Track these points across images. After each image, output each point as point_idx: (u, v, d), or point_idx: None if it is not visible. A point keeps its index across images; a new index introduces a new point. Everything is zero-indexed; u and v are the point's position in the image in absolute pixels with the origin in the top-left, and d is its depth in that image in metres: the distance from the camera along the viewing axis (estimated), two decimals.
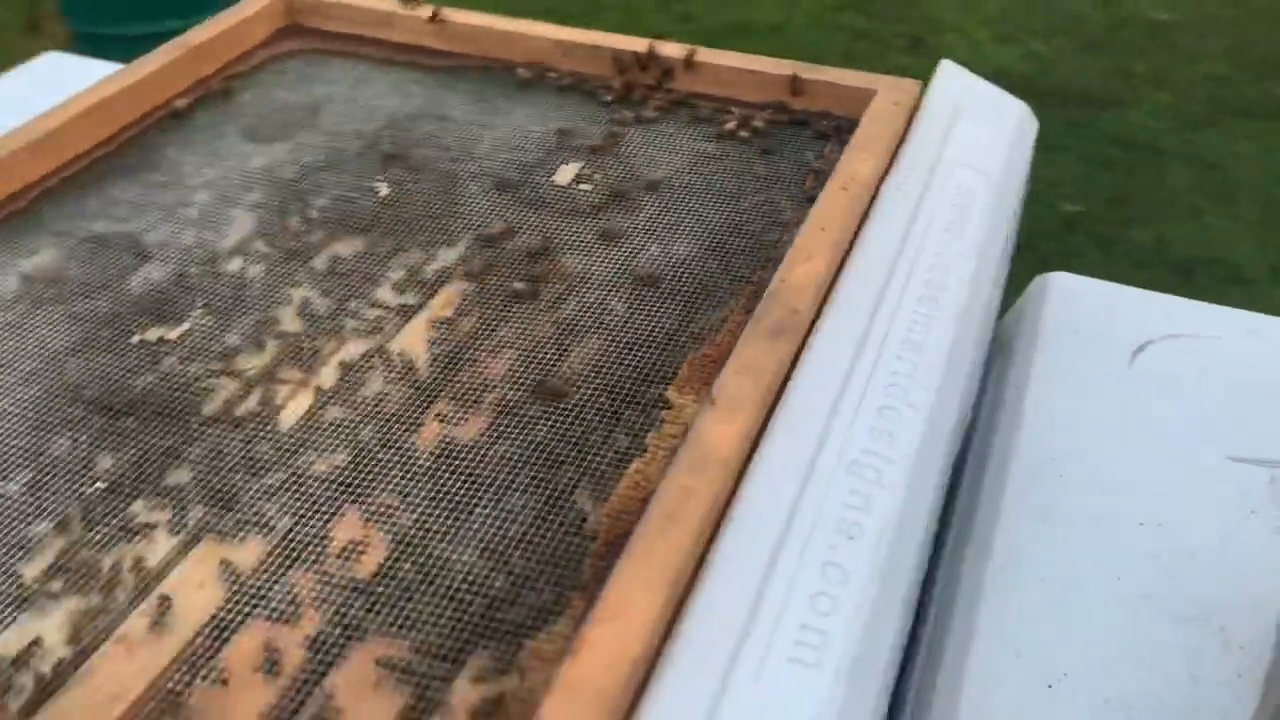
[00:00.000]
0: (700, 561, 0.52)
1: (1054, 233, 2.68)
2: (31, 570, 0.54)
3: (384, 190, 0.80)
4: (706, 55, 0.89)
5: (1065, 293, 0.91)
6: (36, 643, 0.51)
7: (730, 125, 0.85)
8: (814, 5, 3.60)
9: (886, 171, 0.78)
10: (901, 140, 0.81)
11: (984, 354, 0.87)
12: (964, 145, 0.82)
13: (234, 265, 0.74)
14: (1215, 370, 0.81)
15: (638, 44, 0.90)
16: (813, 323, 0.65)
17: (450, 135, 0.86)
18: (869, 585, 0.53)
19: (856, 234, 0.72)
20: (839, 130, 0.84)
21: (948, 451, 0.64)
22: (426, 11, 0.95)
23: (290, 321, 0.69)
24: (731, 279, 0.71)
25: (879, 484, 0.58)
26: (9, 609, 0.53)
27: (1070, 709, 0.63)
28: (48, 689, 0.49)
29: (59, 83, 1.24)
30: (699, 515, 0.52)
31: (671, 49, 0.89)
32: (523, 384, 0.64)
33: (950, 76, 0.91)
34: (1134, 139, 2.92)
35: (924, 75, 0.94)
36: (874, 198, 0.75)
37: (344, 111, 0.89)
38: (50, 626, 0.52)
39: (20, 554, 0.55)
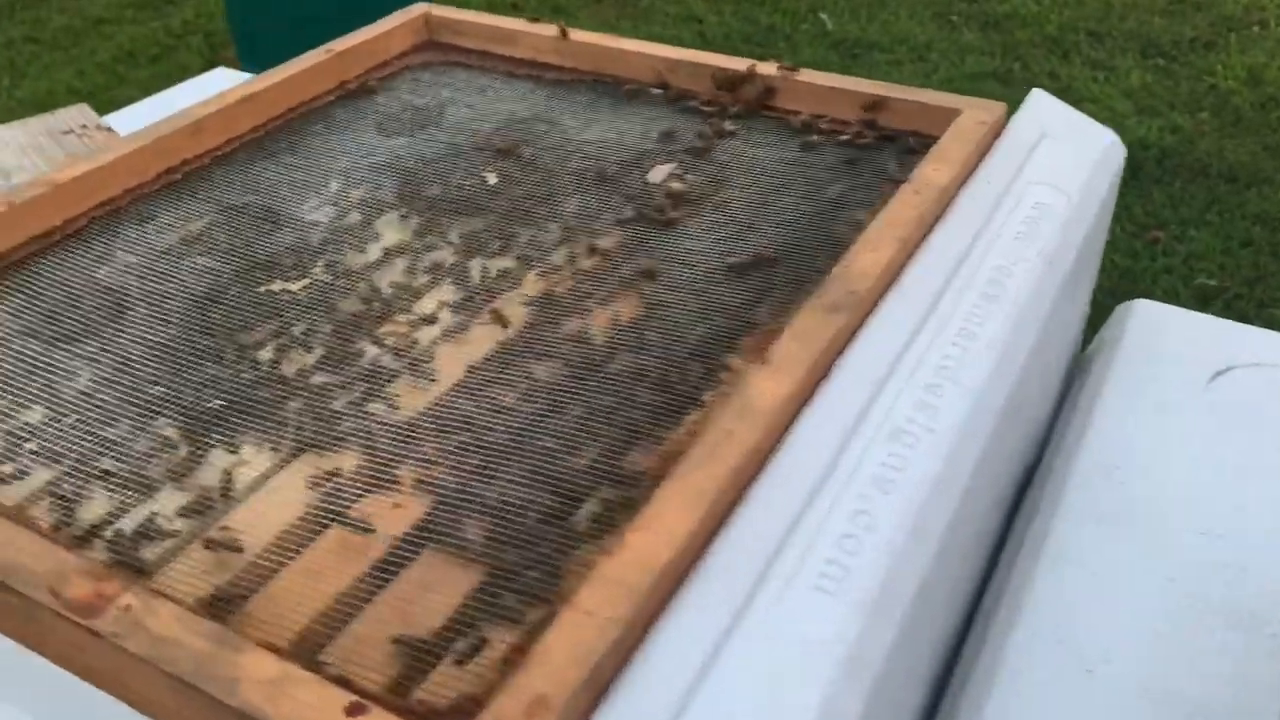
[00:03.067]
0: (738, 498, 0.56)
1: (1189, 306, 2.61)
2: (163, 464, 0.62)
3: (493, 180, 0.87)
4: (802, 74, 0.94)
5: (1148, 318, 0.92)
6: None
7: (818, 138, 0.90)
8: (952, 73, 3.62)
9: (963, 181, 0.81)
10: (982, 155, 0.84)
11: (1059, 365, 0.89)
12: (1045, 164, 0.85)
13: (352, 236, 0.82)
14: None
15: (739, 63, 0.96)
16: (873, 306, 0.69)
17: (556, 136, 0.93)
18: (895, 535, 0.56)
19: (927, 234, 0.76)
20: (924, 146, 0.88)
21: (994, 434, 0.66)
22: (553, 30, 1.03)
23: (395, 281, 0.76)
24: (806, 269, 0.75)
25: (917, 449, 0.61)
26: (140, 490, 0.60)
27: (1106, 694, 0.64)
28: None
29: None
30: (737, 454, 0.56)
31: (770, 68, 0.95)
32: (603, 344, 0.70)
33: (1040, 102, 0.94)
34: (1277, 218, 2.84)
35: None
36: (949, 204, 0.79)
37: (465, 114, 0.97)
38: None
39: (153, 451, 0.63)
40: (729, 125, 0.93)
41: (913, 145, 0.89)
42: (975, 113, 0.87)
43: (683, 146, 0.90)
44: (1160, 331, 0.90)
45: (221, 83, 1.40)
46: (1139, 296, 0.99)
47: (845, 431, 0.60)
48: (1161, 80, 3.53)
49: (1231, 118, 3.31)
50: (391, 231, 0.83)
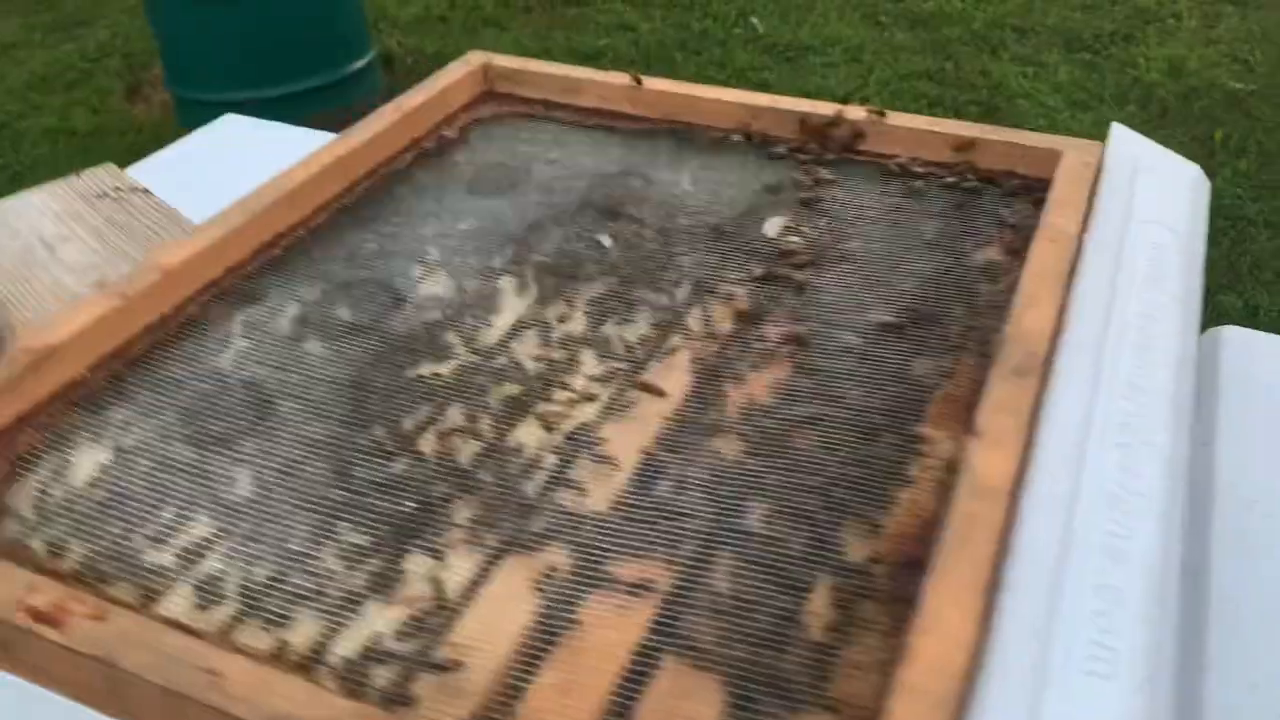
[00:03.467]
0: (995, 585, 0.56)
1: None
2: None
3: (607, 241, 0.86)
4: (892, 117, 0.94)
5: (1239, 345, 0.95)
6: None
7: (921, 183, 0.90)
8: (886, 74, 3.68)
9: (1083, 227, 0.82)
10: (1093, 197, 0.85)
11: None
12: (1150, 203, 0.87)
13: (476, 308, 0.79)
14: None
15: (824, 108, 0.96)
16: (1046, 365, 0.69)
17: (656, 191, 0.92)
18: (1144, 606, 0.57)
19: (1068, 284, 0.77)
20: (1027, 189, 0.89)
21: (1182, 487, 0.67)
22: (624, 79, 1.01)
23: (536, 355, 0.74)
24: (955, 325, 0.75)
25: (1133, 513, 0.61)
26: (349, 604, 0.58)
27: None
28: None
29: (242, 140, 1.32)
30: (989, 539, 0.56)
31: (859, 112, 0.95)
32: (776, 416, 0.69)
33: (1124, 139, 0.96)
34: (1217, 207, 2.94)
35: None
36: (1079, 251, 0.80)
37: (553, 171, 0.95)
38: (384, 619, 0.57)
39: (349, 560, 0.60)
40: (825, 173, 0.92)
41: (1014, 187, 0.89)
42: (1078, 154, 0.88)
43: (788, 197, 0.90)
44: (1257, 357, 0.92)
45: (234, 130, 1.35)
46: None
47: (1067, 502, 0.61)
48: (1088, 74, 3.64)
49: (1158, 110, 3.43)
50: (514, 301, 0.81)
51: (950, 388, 0.70)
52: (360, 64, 3.32)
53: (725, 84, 3.69)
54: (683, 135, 0.99)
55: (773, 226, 0.86)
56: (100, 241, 1.01)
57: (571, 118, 1.03)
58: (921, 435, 0.66)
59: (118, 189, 1.10)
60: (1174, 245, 0.84)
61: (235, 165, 1.25)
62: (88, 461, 0.67)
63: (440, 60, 4.03)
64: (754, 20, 4.05)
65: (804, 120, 0.96)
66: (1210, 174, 0.88)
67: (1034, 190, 0.89)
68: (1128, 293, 0.77)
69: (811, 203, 0.89)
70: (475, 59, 1.06)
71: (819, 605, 0.57)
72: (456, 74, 1.03)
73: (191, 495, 0.65)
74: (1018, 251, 0.82)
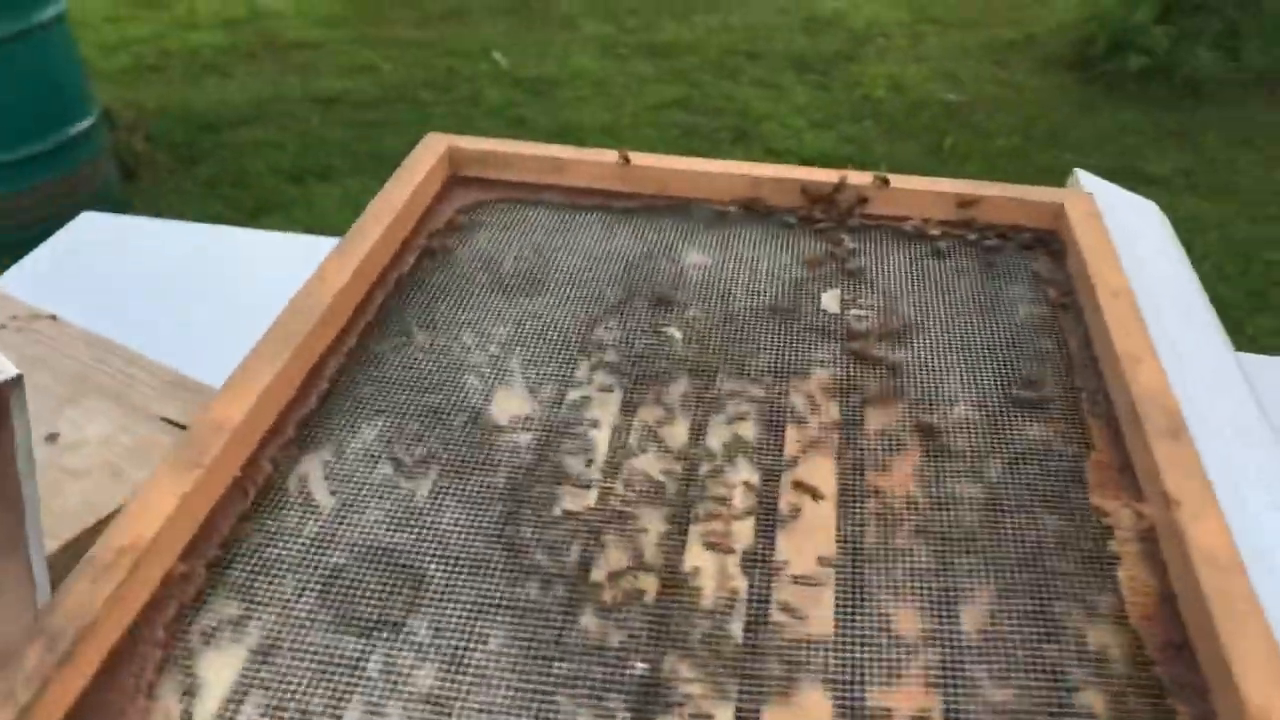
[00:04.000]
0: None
1: None
2: None
3: (675, 333, 0.81)
4: (894, 180, 0.96)
5: None
6: None
7: (944, 244, 0.92)
8: (638, 105, 3.76)
9: None
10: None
11: None
12: (1148, 242, 0.93)
13: (572, 426, 0.73)
14: None
15: (826, 174, 0.96)
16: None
17: (693, 273, 0.88)
18: None
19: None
20: (1040, 241, 0.93)
21: None
22: (610, 156, 0.97)
23: (666, 470, 0.69)
24: (1056, 388, 0.77)
25: None
26: None
27: None
28: None
29: (105, 242, 1.16)
30: (1253, 612, 0.58)
31: (861, 177, 0.96)
32: (941, 506, 0.68)
33: (1087, 183, 1.02)
34: None
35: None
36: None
37: (572, 259, 0.89)
38: None
39: None
40: (849, 240, 0.92)
41: (1027, 240, 0.93)
42: (1077, 205, 0.93)
43: (827, 269, 0.89)
44: None
45: (92, 229, 1.19)
46: None
47: (1263, 559, 0.64)
48: (822, 94, 3.88)
49: (888, 124, 3.71)
50: (605, 410, 0.75)
51: (1096, 455, 0.71)
52: (84, 125, 3.00)
53: (482, 120, 3.64)
54: (687, 211, 0.96)
55: (830, 301, 0.85)
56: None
57: (561, 199, 0.97)
58: (1099, 509, 0.67)
59: (14, 318, 0.94)
60: (1185, 275, 0.90)
61: (110, 266, 1.10)
62: (224, 672, 0.56)
63: (166, 115, 3.72)
64: (496, 56, 4.02)
65: (807, 189, 0.96)
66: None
67: (1046, 242, 0.93)
68: (1176, 331, 0.82)
69: (854, 273, 0.89)
70: (436, 144, 0.98)
71: (1097, 704, 0.57)
72: (425, 165, 0.95)
73: (370, 692, 0.55)
74: (1066, 305, 0.85)
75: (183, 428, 0.84)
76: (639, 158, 0.97)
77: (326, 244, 0.87)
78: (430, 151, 0.97)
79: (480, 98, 3.71)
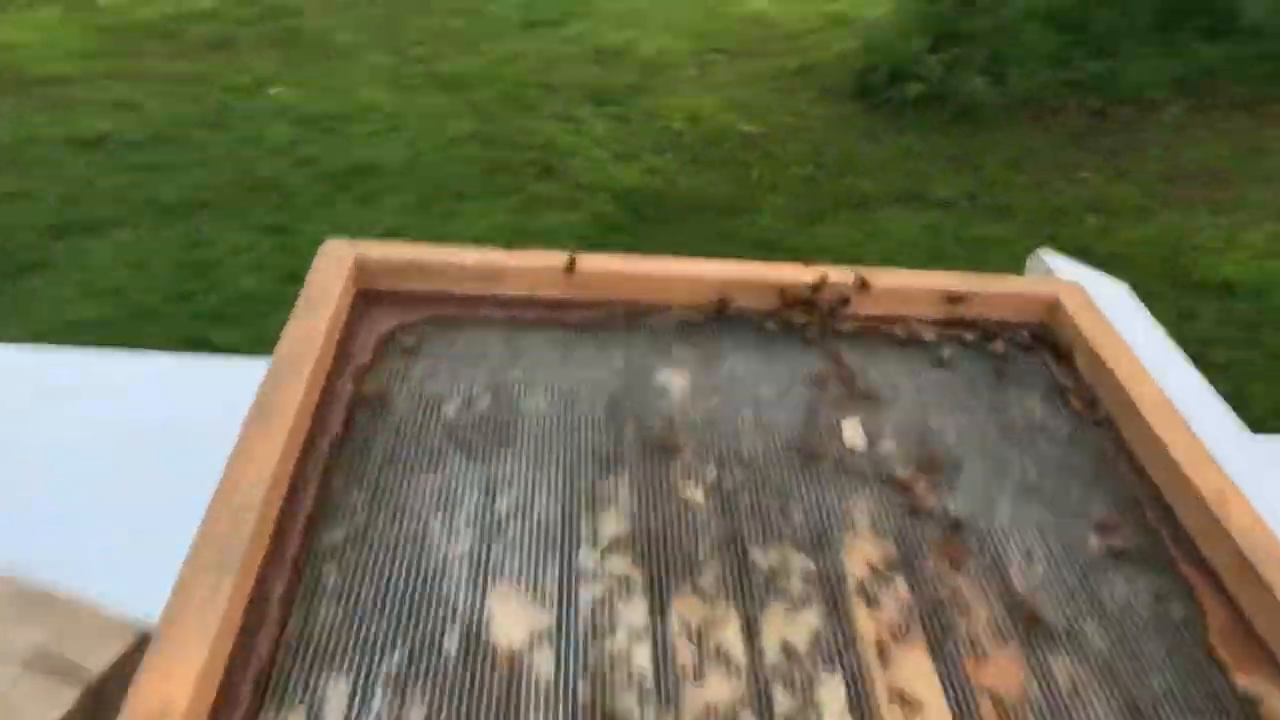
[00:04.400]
0: None
1: None
2: None
3: (696, 496, 0.67)
4: (876, 277, 0.85)
5: None
6: None
7: (945, 352, 0.82)
8: (435, 140, 3.56)
9: None
10: None
11: None
12: (1133, 319, 0.87)
13: (596, 634, 0.58)
14: None
15: (804, 273, 0.85)
16: None
17: (686, 405, 0.74)
18: None
19: None
20: (1037, 338, 0.85)
21: None
22: (555, 259, 0.81)
23: (744, 694, 0.55)
24: (1132, 530, 0.68)
25: None
26: None
27: None
28: None
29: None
30: None
31: (842, 275, 0.85)
32: (1062, 706, 0.57)
33: (1057, 266, 0.95)
34: (768, 240, 3.20)
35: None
36: None
37: (536, 399, 0.73)
38: None
39: None
40: (838, 348, 0.81)
41: (1026, 341, 0.85)
42: (1071, 298, 0.85)
43: (833, 391, 0.77)
44: None
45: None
46: None
47: None
48: (622, 126, 3.80)
49: (690, 156, 3.67)
50: (631, 611, 0.60)
51: (1210, 619, 0.62)
52: None
53: (267, 161, 3.33)
54: (648, 322, 0.82)
55: (851, 434, 0.73)
56: None
57: (500, 314, 0.80)
58: (1249, 694, 0.58)
59: None
60: (1178, 360, 0.84)
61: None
62: None
63: None
64: (274, 91, 3.71)
65: (784, 291, 0.84)
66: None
67: (1044, 339, 0.85)
68: (1204, 430, 0.76)
69: (863, 395, 0.77)
70: (338, 252, 0.80)
71: None
72: (332, 281, 0.77)
73: None
74: (1098, 421, 0.77)
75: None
76: (587, 260, 0.82)
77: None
78: (335, 263, 0.78)
79: (262, 137, 3.40)
